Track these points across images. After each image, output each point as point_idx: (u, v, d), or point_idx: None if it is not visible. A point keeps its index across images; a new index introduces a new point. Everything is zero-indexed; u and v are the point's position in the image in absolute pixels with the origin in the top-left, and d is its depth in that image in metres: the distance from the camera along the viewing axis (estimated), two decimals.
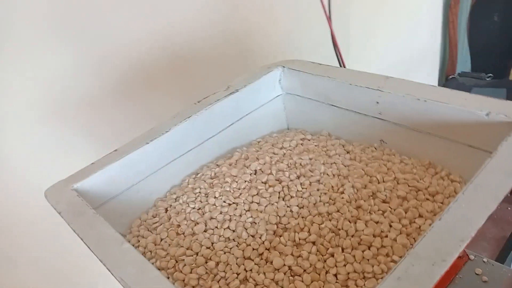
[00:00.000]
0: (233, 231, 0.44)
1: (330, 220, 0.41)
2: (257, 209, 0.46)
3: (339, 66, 0.86)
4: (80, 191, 0.44)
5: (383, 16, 1.57)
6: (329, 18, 0.76)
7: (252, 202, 0.47)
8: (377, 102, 0.50)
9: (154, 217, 0.50)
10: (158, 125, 0.50)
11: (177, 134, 0.50)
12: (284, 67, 0.59)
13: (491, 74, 2.06)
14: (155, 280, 0.31)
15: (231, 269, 0.41)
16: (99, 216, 0.39)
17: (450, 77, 2.23)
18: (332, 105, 0.56)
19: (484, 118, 0.41)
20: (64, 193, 0.43)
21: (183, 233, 0.46)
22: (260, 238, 0.43)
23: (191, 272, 0.42)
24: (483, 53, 2.11)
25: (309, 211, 0.43)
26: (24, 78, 0.64)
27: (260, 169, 0.52)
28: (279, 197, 0.46)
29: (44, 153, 0.69)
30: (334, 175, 0.47)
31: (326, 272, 0.37)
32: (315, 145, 0.55)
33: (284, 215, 0.44)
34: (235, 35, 0.95)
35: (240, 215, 0.46)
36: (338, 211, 0.42)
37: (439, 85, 2.23)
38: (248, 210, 0.46)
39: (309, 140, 0.57)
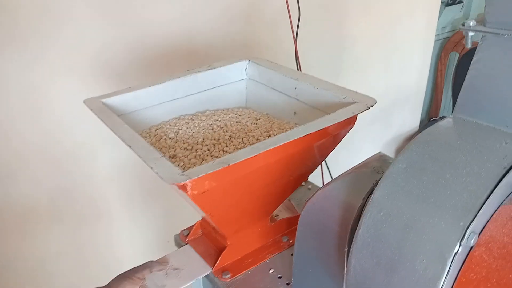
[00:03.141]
0: (191, 145, 0.75)
1: (243, 144, 0.72)
2: (207, 135, 0.76)
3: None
4: (105, 103, 0.75)
5: (376, 52, 1.82)
6: (295, 40, 1.06)
7: (206, 132, 0.77)
8: (295, 88, 0.80)
9: (147, 133, 0.80)
10: (158, 78, 0.81)
11: (169, 85, 0.81)
12: (249, 60, 0.90)
13: None
14: (138, 139, 0.62)
15: (188, 162, 0.70)
16: (115, 115, 0.70)
17: (432, 119, 2.50)
18: (273, 89, 0.86)
19: (342, 100, 0.71)
20: (95, 103, 0.74)
21: (163, 142, 0.76)
22: (202, 151, 0.73)
23: None
24: None
25: (234, 138, 0.74)
26: (77, 50, 0.96)
27: (218, 120, 0.83)
28: (222, 132, 0.77)
29: (78, 106, 1.01)
30: (254, 126, 0.78)
31: None
32: (254, 116, 0.85)
33: (221, 139, 0.74)
34: (242, 43, 1.26)
35: (197, 137, 0.76)
36: (248, 140, 0.73)
37: (421, 125, 2.47)
38: (203, 135, 0.77)
39: (253, 113, 0.88)
